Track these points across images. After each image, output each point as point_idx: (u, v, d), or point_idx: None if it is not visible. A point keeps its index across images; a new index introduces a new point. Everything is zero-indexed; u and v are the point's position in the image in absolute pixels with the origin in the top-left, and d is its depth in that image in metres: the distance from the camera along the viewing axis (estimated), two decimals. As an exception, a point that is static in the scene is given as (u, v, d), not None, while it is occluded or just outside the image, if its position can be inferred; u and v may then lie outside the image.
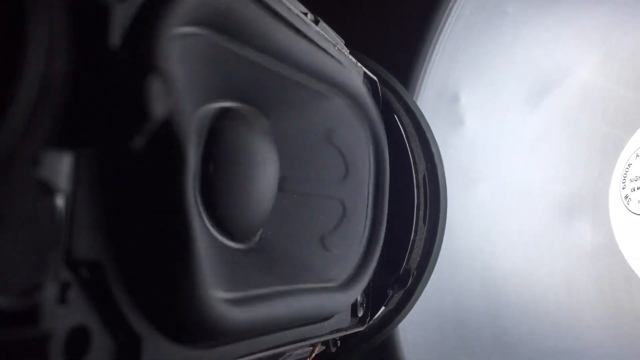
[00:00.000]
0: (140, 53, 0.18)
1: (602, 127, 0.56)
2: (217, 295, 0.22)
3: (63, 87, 0.15)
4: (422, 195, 0.42)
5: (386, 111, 0.41)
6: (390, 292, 0.41)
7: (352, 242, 0.35)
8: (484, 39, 0.55)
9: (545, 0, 0.53)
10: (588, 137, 0.56)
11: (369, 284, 0.38)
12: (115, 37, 0.18)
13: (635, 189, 0.45)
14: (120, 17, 0.18)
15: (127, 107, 0.17)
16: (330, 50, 0.33)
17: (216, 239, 0.26)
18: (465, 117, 0.57)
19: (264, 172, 0.29)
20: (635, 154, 0.46)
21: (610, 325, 0.52)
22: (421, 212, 0.41)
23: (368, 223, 0.36)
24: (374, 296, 0.40)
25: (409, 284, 0.41)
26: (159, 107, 0.17)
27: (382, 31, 0.56)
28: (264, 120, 0.30)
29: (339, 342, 0.36)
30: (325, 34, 0.33)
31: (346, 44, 0.39)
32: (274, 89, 0.30)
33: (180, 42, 0.22)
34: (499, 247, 0.56)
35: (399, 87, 0.45)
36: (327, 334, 0.33)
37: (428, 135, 0.44)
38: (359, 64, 0.38)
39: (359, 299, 0.37)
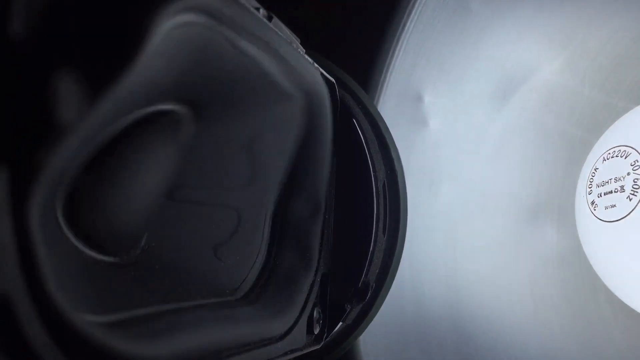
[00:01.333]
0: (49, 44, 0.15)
1: (567, 129, 0.55)
2: (85, 319, 0.19)
3: None
4: (381, 204, 0.40)
5: (344, 115, 0.39)
6: (349, 307, 0.38)
7: (250, 252, 0.32)
8: (448, 37, 0.53)
9: (509, -3, 0.52)
10: (554, 138, 0.55)
11: (325, 298, 0.36)
12: (18, 25, 0.15)
13: (602, 194, 0.43)
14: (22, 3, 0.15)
15: (28, 115, 0.14)
16: (285, 49, 0.31)
17: (83, 253, 0.23)
18: (428, 118, 0.55)
19: (142, 180, 0.26)
20: (602, 158, 0.45)
21: (576, 332, 0.51)
22: (381, 222, 0.39)
23: (267, 235, 0.34)
24: (330, 311, 0.37)
25: (367, 298, 0.39)
26: (69, 114, 0.14)
27: (341, 29, 0.53)
28: (191, 126, 0.27)
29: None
30: (279, 31, 0.31)
31: (303, 42, 0.37)
32: (223, 90, 0.28)
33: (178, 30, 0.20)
34: (462, 252, 0.54)
35: (357, 89, 0.43)
36: (281, 355, 0.31)
37: (388, 140, 0.42)
38: (315, 65, 0.35)
39: (315, 314, 0.35)
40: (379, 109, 0.54)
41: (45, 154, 0.15)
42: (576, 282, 0.52)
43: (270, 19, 0.31)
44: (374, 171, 0.39)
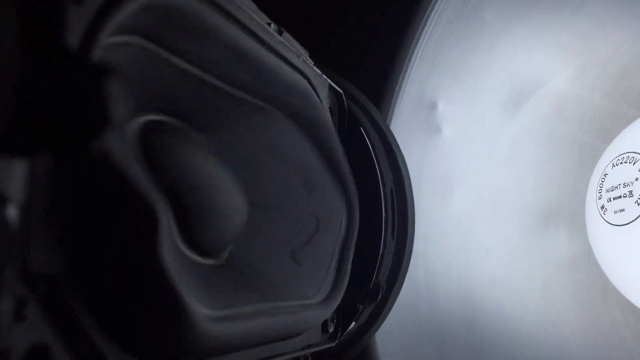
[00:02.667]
0: (97, 57, 0.18)
1: (578, 136, 0.56)
2: (202, 312, 0.21)
3: (14, 90, 0.14)
4: (390, 210, 0.41)
5: (352, 124, 0.41)
6: (361, 307, 0.40)
7: (324, 257, 0.34)
8: (462, 46, 0.55)
9: (522, 9, 0.53)
10: (565, 145, 0.56)
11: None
12: (74, 38, 0.17)
13: (612, 199, 0.45)
14: (76, 19, 0.17)
15: (86, 111, 0.16)
16: (295, 61, 0.32)
17: (187, 256, 0.26)
18: (442, 125, 0.56)
19: (227, 184, 0.28)
20: (611, 164, 0.46)
21: (587, 335, 0.52)
22: (389, 226, 0.41)
23: (340, 238, 0.36)
24: (344, 311, 0.39)
25: (379, 299, 0.40)
26: (119, 111, 0.16)
27: (358, 40, 0.55)
28: (198, 134, 0.29)
29: (309, 358, 0.35)
30: (288, 44, 0.32)
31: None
32: (209, 102, 0.29)
33: (115, 50, 0.21)
34: (476, 256, 0.56)
35: (364, 100, 0.45)
36: (299, 350, 0.33)
37: (394, 148, 0.43)
38: (324, 76, 0.37)
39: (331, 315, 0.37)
40: (394, 117, 0.56)
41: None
42: (587, 285, 0.53)
43: (280, 33, 0.32)
44: (382, 177, 0.41)
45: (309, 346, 0.34)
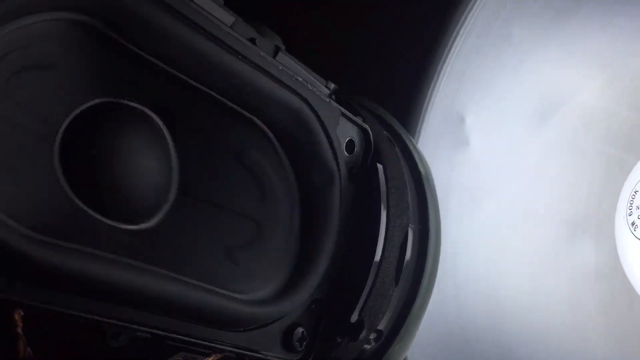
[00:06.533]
0: None
1: (605, 148, 0.57)
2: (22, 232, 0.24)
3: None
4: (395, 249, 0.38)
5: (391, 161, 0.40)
6: (339, 340, 0.37)
7: (269, 264, 0.34)
8: (490, 60, 0.56)
9: (549, 24, 0.54)
10: (592, 157, 0.57)
11: (318, 322, 0.36)
12: None
13: (642, 216, 0.46)
14: None
15: None
16: (284, 79, 0.33)
17: (76, 203, 0.28)
18: (470, 138, 0.57)
19: (154, 166, 0.31)
20: (641, 182, 0.47)
21: (613, 345, 0.53)
22: (391, 263, 0.38)
23: (292, 252, 0.35)
24: (322, 339, 0.37)
25: (360, 338, 0.37)
26: None
27: (389, 54, 0.56)
28: (158, 121, 0.31)
29: None
30: (282, 63, 0.34)
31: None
32: (174, 96, 0.31)
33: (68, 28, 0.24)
34: (503, 267, 0.57)
35: (395, 124, 0.45)
36: (228, 345, 0.32)
37: (428, 195, 0.42)
38: (335, 104, 0.37)
39: (297, 333, 0.35)
40: (422, 130, 0.57)
41: None
42: (613, 296, 0.54)
43: (276, 53, 0.34)
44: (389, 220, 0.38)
45: (248, 349, 0.33)
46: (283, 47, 0.35)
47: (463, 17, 0.53)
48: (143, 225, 0.30)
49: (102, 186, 0.28)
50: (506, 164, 0.58)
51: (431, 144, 0.56)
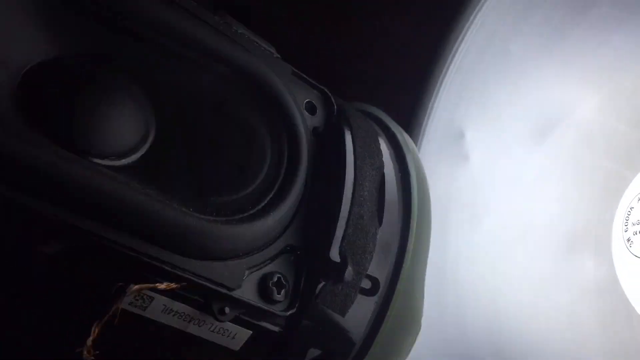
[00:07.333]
0: None
1: (604, 165, 0.57)
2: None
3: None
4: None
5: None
6: (323, 282, 0.34)
7: (238, 199, 0.34)
8: (489, 77, 0.56)
9: (548, 41, 0.55)
10: (591, 173, 0.57)
11: (299, 272, 0.34)
12: None
13: (637, 232, 0.46)
14: None
15: None
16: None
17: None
18: (470, 153, 0.58)
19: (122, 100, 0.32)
20: (637, 198, 0.47)
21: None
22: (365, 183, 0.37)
23: (262, 190, 0.35)
24: (306, 289, 0.34)
25: (345, 277, 0.33)
26: None
27: (388, 69, 0.57)
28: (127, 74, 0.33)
29: (226, 311, 0.31)
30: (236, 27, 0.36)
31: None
32: (139, 51, 0.33)
33: None
34: (503, 281, 0.57)
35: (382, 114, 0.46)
36: (189, 271, 0.29)
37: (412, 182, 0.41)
38: (292, 68, 0.38)
39: (272, 278, 0.33)
40: (422, 145, 0.57)
41: None
42: (613, 312, 0.54)
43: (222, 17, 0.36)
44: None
45: (208, 279, 0.30)
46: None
47: (463, 33, 0.54)
48: (117, 162, 0.30)
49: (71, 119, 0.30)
50: (506, 179, 0.58)
51: (431, 158, 0.57)
